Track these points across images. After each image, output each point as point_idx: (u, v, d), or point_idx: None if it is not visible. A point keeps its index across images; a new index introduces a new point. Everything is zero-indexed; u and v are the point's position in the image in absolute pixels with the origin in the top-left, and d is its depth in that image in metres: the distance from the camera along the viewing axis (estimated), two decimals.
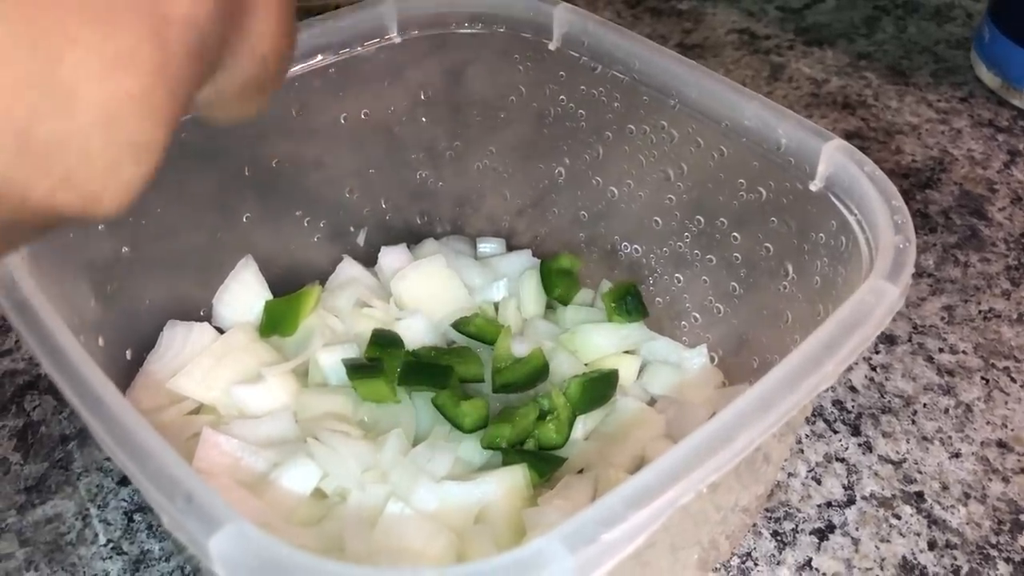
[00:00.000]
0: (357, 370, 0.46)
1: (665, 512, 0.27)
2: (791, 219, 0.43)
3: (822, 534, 0.45)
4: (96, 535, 0.45)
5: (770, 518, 0.46)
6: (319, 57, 0.47)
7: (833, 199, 0.40)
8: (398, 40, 0.49)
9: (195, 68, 0.20)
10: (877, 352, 0.54)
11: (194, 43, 0.20)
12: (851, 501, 0.47)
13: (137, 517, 0.46)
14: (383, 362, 0.46)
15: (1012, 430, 0.50)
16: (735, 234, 0.46)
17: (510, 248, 0.57)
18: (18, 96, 0.18)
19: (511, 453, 0.44)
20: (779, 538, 0.45)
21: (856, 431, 0.50)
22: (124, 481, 0.47)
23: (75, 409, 0.30)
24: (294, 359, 0.47)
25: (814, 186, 0.40)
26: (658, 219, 0.50)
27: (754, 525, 0.46)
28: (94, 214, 0.20)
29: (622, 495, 0.27)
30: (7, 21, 0.17)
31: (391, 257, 0.54)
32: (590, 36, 0.47)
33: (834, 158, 0.40)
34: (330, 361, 0.47)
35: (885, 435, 0.50)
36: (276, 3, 0.23)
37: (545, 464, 0.44)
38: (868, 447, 0.49)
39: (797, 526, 0.46)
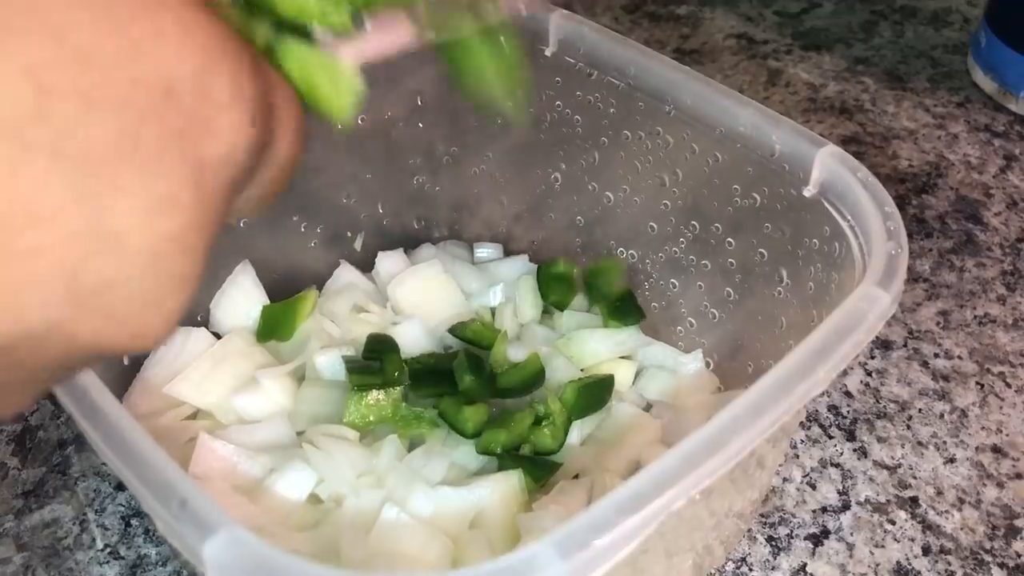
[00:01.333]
0: (357, 370, 0.46)
1: (658, 517, 0.27)
2: (785, 225, 0.43)
3: (817, 539, 0.46)
4: (94, 540, 0.45)
5: (765, 523, 0.46)
6: None
7: (826, 205, 0.40)
8: None
9: (228, 198, 0.21)
10: (872, 357, 0.55)
11: (228, 178, 0.21)
12: (846, 506, 0.47)
13: (134, 522, 0.46)
14: (382, 366, 0.46)
15: (1007, 435, 0.50)
16: (730, 240, 0.46)
17: (507, 253, 0.57)
18: (69, 246, 0.18)
19: (507, 458, 0.44)
20: (774, 543, 0.45)
21: (851, 436, 0.50)
22: (121, 486, 0.47)
23: (70, 412, 0.30)
24: (291, 363, 0.47)
25: (808, 192, 0.41)
26: (653, 224, 0.50)
27: (749, 530, 0.46)
28: (139, 347, 0.20)
29: (614, 501, 0.27)
30: (62, 173, 0.18)
31: (388, 262, 0.54)
32: (586, 42, 0.47)
33: (827, 164, 0.40)
34: (327, 365, 0.47)
35: (880, 440, 0.50)
36: (296, 119, 0.23)
37: (541, 470, 0.44)
38: (863, 452, 0.50)
39: (792, 531, 0.46)
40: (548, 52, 0.49)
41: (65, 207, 0.18)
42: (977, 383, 0.53)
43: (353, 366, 0.46)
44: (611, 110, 0.48)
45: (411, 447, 0.45)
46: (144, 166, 0.19)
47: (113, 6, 0.18)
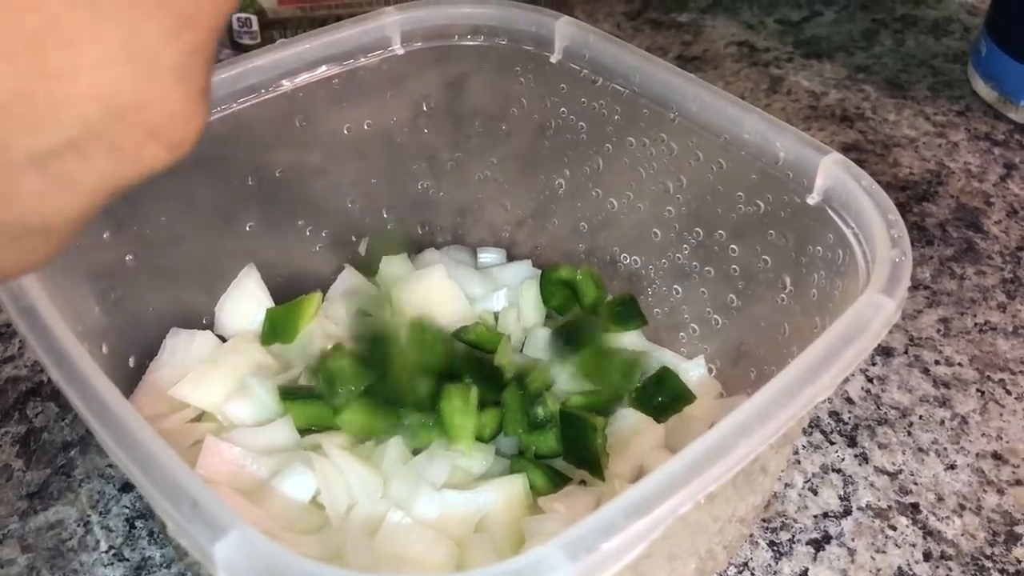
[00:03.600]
0: (291, 393, 0.45)
1: (664, 522, 0.28)
2: (789, 232, 0.43)
3: (818, 544, 0.46)
4: (98, 542, 0.45)
5: (767, 528, 0.46)
6: (323, 68, 0.47)
7: (830, 212, 0.40)
8: (401, 51, 0.49)
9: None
10: (873, 364, 0.55)
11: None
12: (847, 512, 0.47)
13: (138, 524, 0.46)
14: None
15: (1007, 442, 0.51)
16: (733, 246, 0.47)
17: (510, 258, 0.57)
18: (105, 67, 0.20)
19: (521, 461, 0.44)
20: (776, 548, 0.46)
21: (852, 442, 0.51)
22: (126, 488, 0.48)
23: (80, 415, 0.30)
24: (295, 367, 0.48)
25: (812, 199, 0.41)
26: (657, 231, 0.50)
27: (751, 535, 0.46)
28: (177, 156, 0.23)
29: (622, 504, 0.27)
30: (95, 7, 0.20)
31: (392, 266, 0.54)
32: (591, 49, 0.48)
33: (832, 172, 0.40)
34: None
35: (881, 446, 0.50)
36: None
37: (559, 476, 0.44)
38: (864, 458, 0.50)
39: (793, 536, 0.46)
40: (553, 59, 0.49)
41: (96, 30, 0.20)
42: (978, 390, 0.53)
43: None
44: (615, 116, 0.48)
45: (414, 451, 0.45)
46: None
47: None
